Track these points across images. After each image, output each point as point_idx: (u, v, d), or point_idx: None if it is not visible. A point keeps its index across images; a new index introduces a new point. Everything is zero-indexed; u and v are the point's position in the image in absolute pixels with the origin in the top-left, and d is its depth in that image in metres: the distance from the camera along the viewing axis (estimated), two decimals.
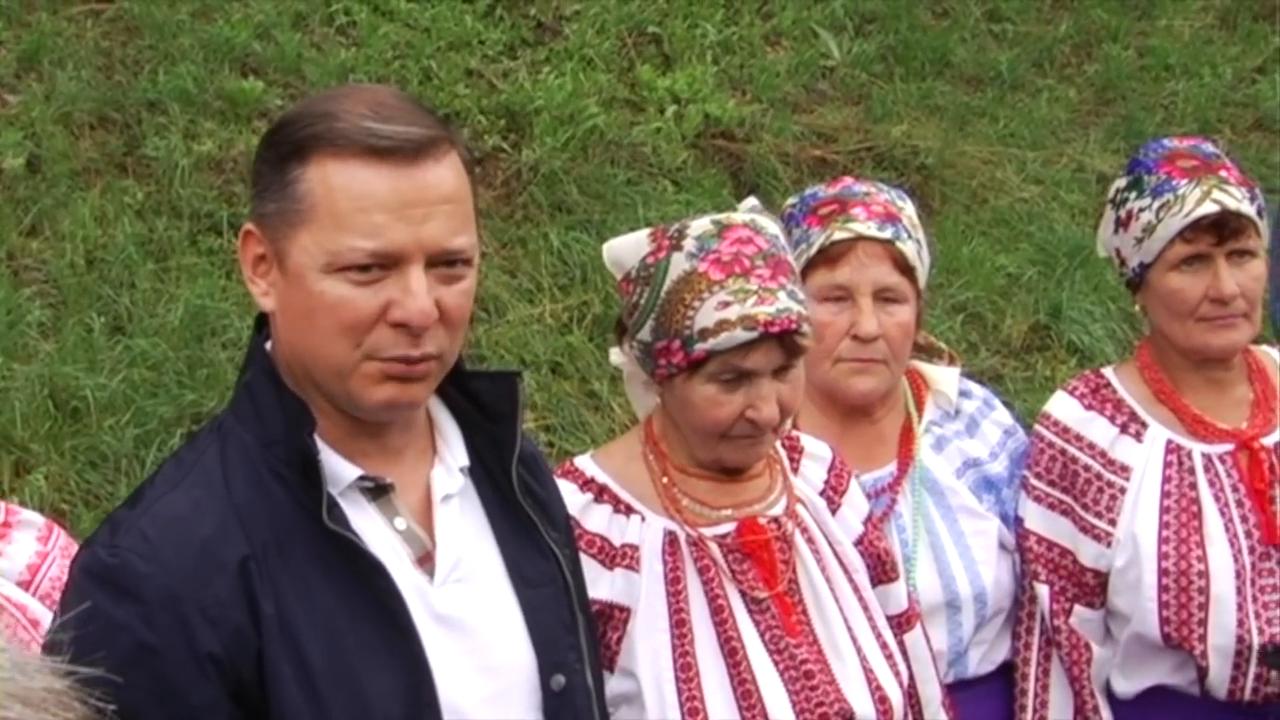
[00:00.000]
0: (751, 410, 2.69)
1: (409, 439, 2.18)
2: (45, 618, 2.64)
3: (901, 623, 2.92)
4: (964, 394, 3.28)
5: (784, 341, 2.68)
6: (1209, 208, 3.08)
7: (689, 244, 2.71)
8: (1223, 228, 3.09)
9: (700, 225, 2.73)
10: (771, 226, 2.77)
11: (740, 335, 2.65)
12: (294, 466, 2.07)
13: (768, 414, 2.69)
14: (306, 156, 2.06)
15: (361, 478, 2.12)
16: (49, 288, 6.10)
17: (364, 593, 2.06)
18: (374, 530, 2.12)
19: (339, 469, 2.11)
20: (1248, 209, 3.10)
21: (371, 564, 2.07)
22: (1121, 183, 3.21)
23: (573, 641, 2.24)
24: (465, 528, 2.19)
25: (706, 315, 2.66)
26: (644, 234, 2.78)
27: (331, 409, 2.11)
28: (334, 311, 2.05)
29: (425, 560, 2.14)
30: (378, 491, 2.14)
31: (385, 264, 2.04)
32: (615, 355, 2.88)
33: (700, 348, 2.67)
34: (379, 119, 2.05)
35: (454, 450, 2.22)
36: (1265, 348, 3.36)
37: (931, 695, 2.96)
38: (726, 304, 2.65)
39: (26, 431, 5.47)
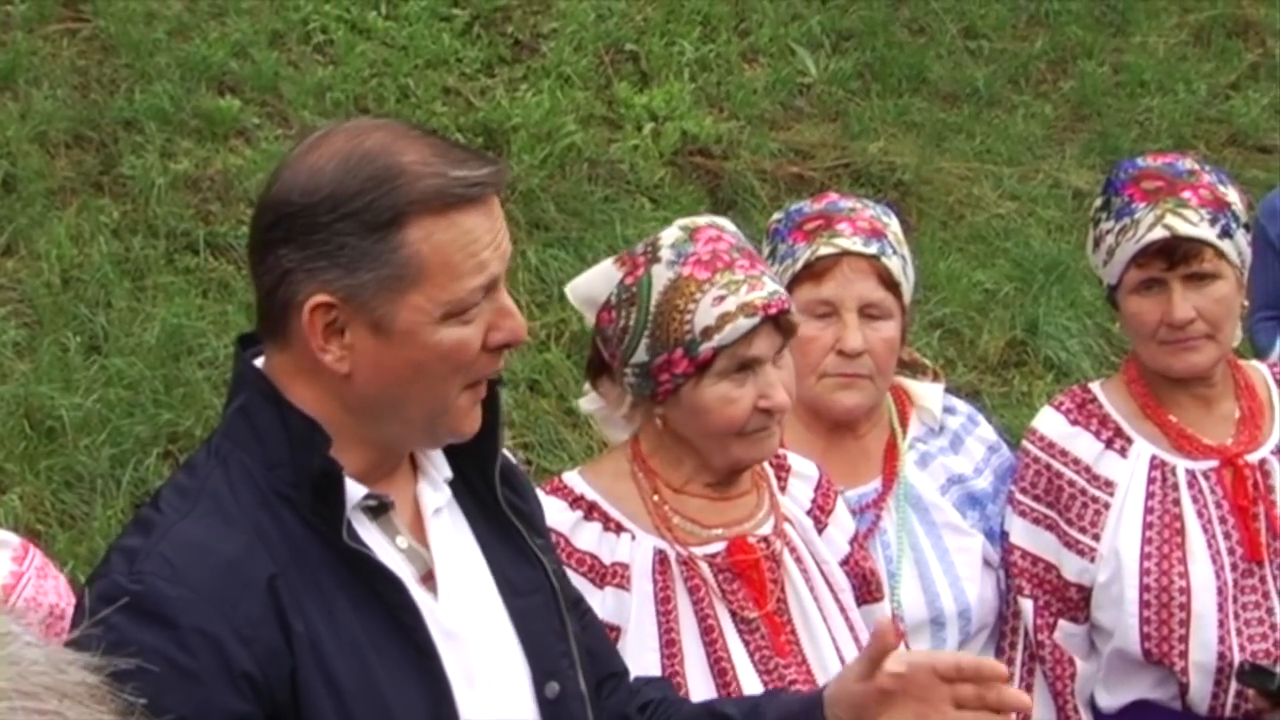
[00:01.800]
0: (764, 399, 2.71)
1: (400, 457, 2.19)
2: None
3: None
4: (948, 410, 3.27)
5: (781, 324, 2.71)
6: (1158, 234, 3.07)
7: (665, 254, 2.72)
8: (1172, 253, 3.08)
9: (670, 234, 2.76)
10: (732, 226, 2.82)
11: (743, 324, 2.67)
12: (302, 488, 2.06)
13: (780, 399, 2.71)
14: (404, 222, 2.05)
15: (365, 496, 2.11)
16: (24, 307, 6.07)
17: (382, 611, 2.05)
18: (380, 549, 2.11)
19: (349, 489, 2.09)
20: (1204, 232, 3.07)
21: (390, 582, 2.07)
22: (1098, 202, 3.21)
23: (564, 648, 2.22)
24: (455, 540, 2.19)
25: (705, 314, 2.68)
26: (606, 263, 2.80)
27: (364, 440, 2.11)
28: (451, 356, 2.07)
29: (428, 578, 2.14)
30: (378, 510, 2.13)
31: (486, 294, 2.09)
32: (586, 403, 2.88)
33: (707, 347, 2.68)
34: (453, 164, 2.07)
35: (437, 463, 2.21)
36: (1254, 362, 3.36)
37: None
38: (721, 298, 2.68)
39: (1, 452, 5.44)
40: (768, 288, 2.71)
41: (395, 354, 2.07)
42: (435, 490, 2.19)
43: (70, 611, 2.27)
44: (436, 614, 2.11)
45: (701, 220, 2.80)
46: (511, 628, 2.18)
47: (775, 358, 2.72)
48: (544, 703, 2.17)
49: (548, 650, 2.20)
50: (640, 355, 2.73)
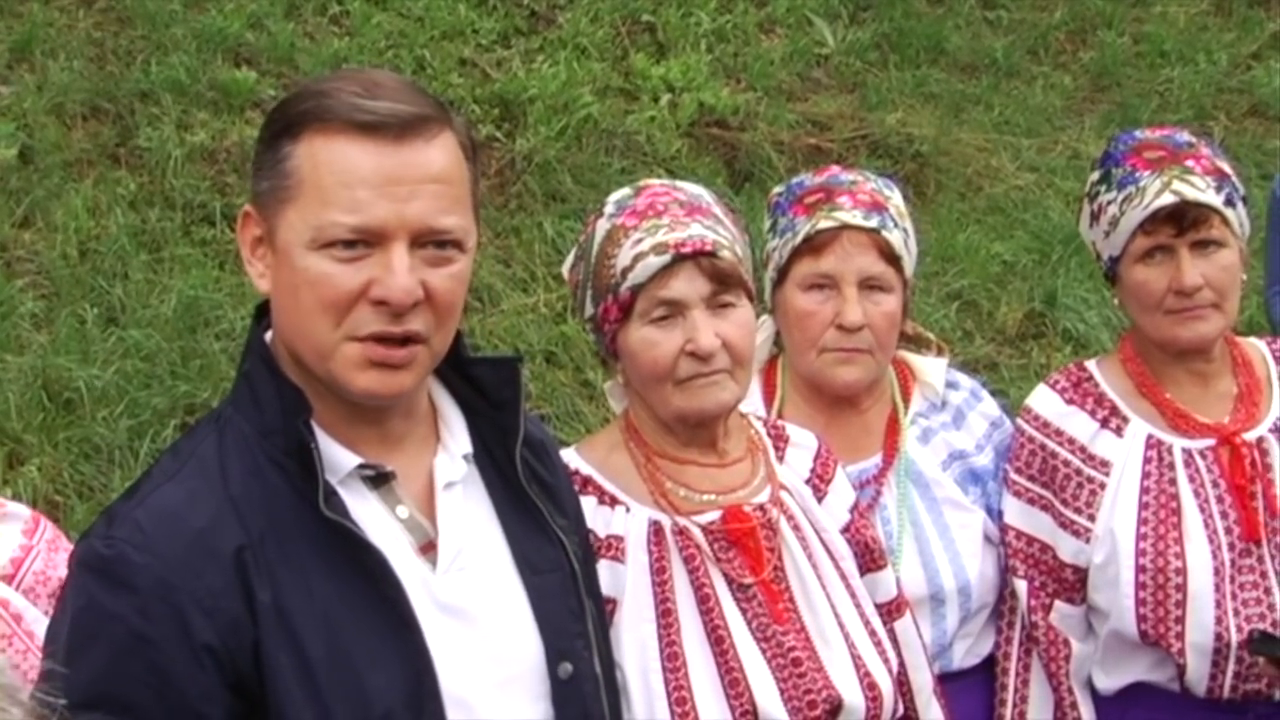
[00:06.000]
0: (690, 343, 2.68)
1: (410, 426, 2.17)
2: (28, 612, 2.63)
3: (891, 610, 2.90)
4: (951, 385, 3.25)
5: (704, 266, 2.68)
6: (1167, 199, 3.05)
7: (609, 208, 2.77)
8: (1181, 219, 3.05)
9: (620, 191, 2.80)
10: (697, 189, 2.81)
11: (653, 262, 2.67)
12: (293, 455, 2.07)
13: (705, 342, 2.67)
14: (297, 134, 2.06)
15: (362, 466, 2.11)
16: (42, 279, 6.10)
17: (364, 582, 2.05)
18: (375, 519, 2.11)
19: (338, 457, 2.10)
20: (1211, 199, 3.05)
21: (371, 553, 2.06)
22: (1095, 176, 3.18)
23: (580, 629, 2.22)
24: (469, 515, 2.18)
25: (624, 257, 2.70)
26: None
27: (329, 395, 2.11)
28: (316, 288, 2.04)
29: (428, 549, 2.13)
30: (379, 480, 2.13)
31: (368, 240, 2.04)
32: (608, 390, 2.91)
33: (624, 288, 2.69)
34: (368, 96, 2.06)
35: (457, 437, 2.21)
36: (1253, 339, 3.32)
37: (923, 683, 2.94)
38: (640, 240, 2.69)
39: (20, 423, 5.47)
40: (690, 231, 2.68)
41: (280, 273, 2.08)
42: (452, 463, 2.18)
43: None
44: (431, 585, 2.11)
45: (660, 181, 2.83)
46: (527, 605, 2.18)
47: (718, 308, 2.69)
48: (556, 682, 2.17)
49: (563, 630, 2.20)
50: (588, 308, 2.76)
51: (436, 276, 2.07)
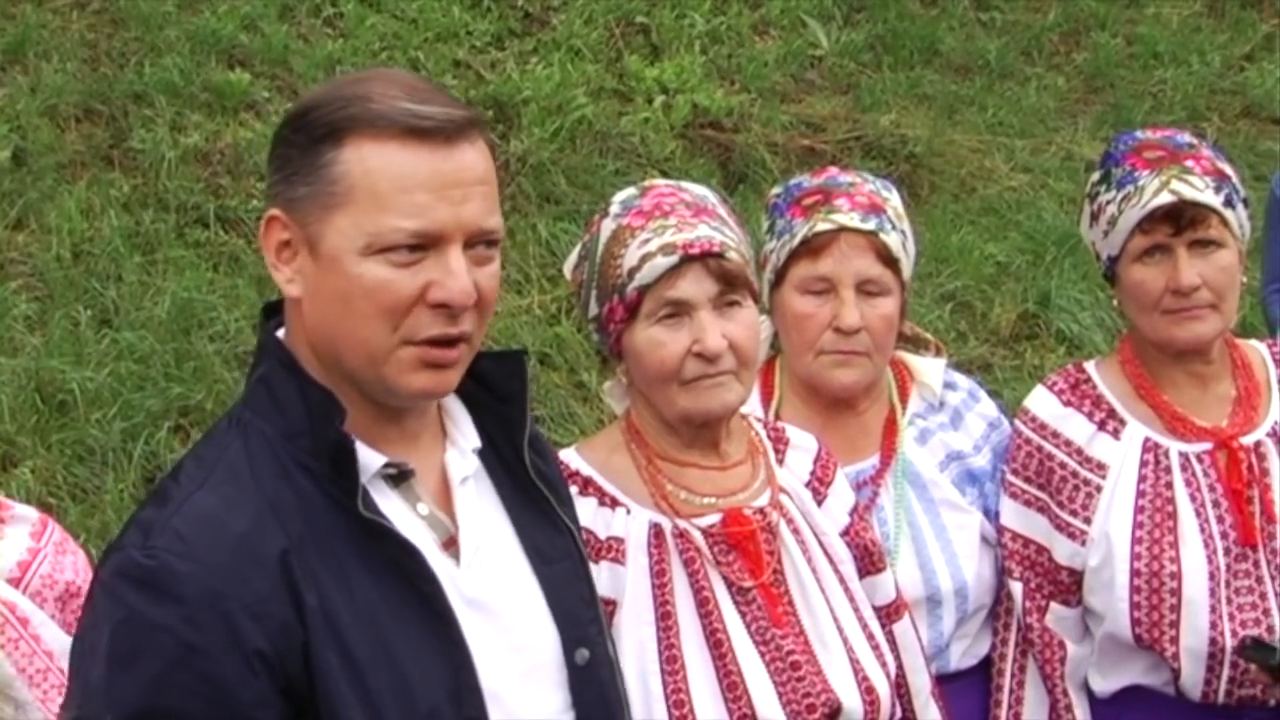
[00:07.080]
0: (696, 344, 2.69)
1: (424, 423, 2.18)
2: (34, 616, 2.63)
3: (890, 612, 2.91)
4: (949, 386, 3.25)
5: (711, 267, 2.69)
6: (1164, 198, 3.05)
7: (614, 208, 2.77)
8: (1179, 218, 3.05)
9: (625, 191, 2.80)
10: (702, 189, 2.81)
11: (661, 262, 2.68)
12: (321, 458, 2.06)
13: (713, 343, 2.68)
14: (342, 139, 2.04)
15: (385, 465, 2.11)
16: (35, 281, 6.10)
17: (400, 580, 2.06)
18: (400, 517, 2.11)
19: (366, 457, 2.09)
20: (1209, 199, 3.05)
21: (407, 551, 2.06)
22: (1095, 176, 3.18)
23: (593, 614, 2.24)
24: (482, 509, 2.19)
25: (631, 257, 2.70)
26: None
27: (358, 396, 2.10)
28: (373, 294, 2.04)
29: (450, 544, 2.14)
30: (399, 478, 2.13)
31: (426, 244, 2.04)
32: (607, 391, 2.91)
33: (631, 288, 2.70)
34: (415, 100, 2.05)
35: (464, 432, 2.21)
36: (1253, 342, 3.31)
37: (921, 685, 2.95)
38: (647, 241, 2.70)
39: (13, 425, 5.47)
40: (698, 231, 2.69)
41: (325, 280, 2.06)
42: (463, 458, 2.19)
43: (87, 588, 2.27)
44: (457, 580, 2.11)
45: (664, 182, 2.83)
46: (541, 595, 2.19)
47: (724, 307, 2.70)
48: (574, 669, 2.18)
49: (577, 617, 2.21)
50: (593, 308, 2.77)
51: (482, 276, 2.08)
